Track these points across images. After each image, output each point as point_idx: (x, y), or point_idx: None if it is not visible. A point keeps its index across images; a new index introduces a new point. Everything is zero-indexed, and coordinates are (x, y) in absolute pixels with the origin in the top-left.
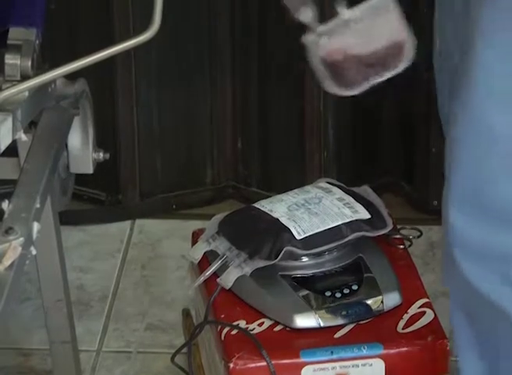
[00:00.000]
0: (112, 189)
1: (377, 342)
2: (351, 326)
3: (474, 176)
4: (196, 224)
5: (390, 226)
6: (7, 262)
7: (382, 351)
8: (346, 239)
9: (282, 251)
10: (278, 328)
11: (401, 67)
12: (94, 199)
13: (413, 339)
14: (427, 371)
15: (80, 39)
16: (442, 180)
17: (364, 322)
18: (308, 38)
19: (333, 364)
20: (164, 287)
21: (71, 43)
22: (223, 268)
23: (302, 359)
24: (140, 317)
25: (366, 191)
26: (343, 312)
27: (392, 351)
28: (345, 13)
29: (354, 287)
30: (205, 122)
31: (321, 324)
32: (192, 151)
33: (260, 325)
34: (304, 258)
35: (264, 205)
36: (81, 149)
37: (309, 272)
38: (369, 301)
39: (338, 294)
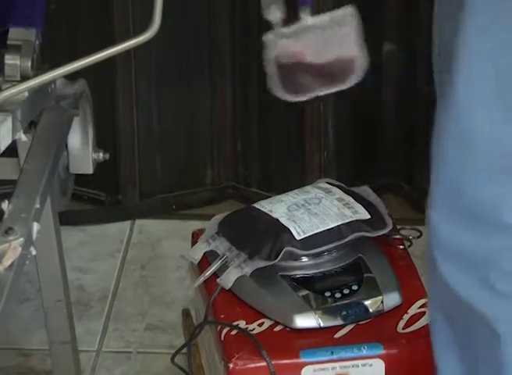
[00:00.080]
0: (112, 189)
1: (377, 342)
2: (351, 326)
3: (455, 179)
4: (196, 224)
5: (390, 227)
6: (7, 262)
7: (382, 352)
8: (346, 239)
9: (282, 252)
10: (278, 328)
11: (348, 84)
12: (94, 199)
13: (413, 339)
14: (427, 371)
15: (80, 39)
16: None
17: (364, 322)
18: (268, 37)
19: (333, 364)
20: (164, 287)
21: (71, 43)
22: (223, 268)
23: (302, 359)
24: (139, 317)
25: (366, 191)
26: (343, 313)
27: (392, 351)
28: (307, 20)
29: (354, 288)
30: (205, 122)
31: (321, 324)
32: (192, 151)
33: (260, 325)
34: (304, 259)
35: (264, 206)
36: (81, 149)
37: (309, 272)
38: (369, 302)
39: (338, 295)
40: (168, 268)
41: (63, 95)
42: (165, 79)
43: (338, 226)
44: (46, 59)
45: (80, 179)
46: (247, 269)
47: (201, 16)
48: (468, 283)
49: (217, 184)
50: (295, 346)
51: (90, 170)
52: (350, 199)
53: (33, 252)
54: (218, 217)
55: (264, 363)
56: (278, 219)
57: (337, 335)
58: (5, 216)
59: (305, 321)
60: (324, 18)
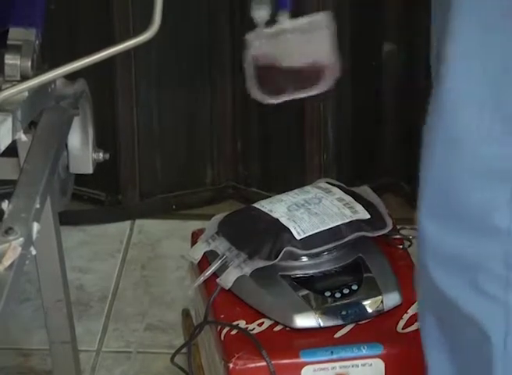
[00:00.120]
0: (112, 189)
1: (377, 342)
2: (351, 326)
3: (444, 182)
4: (196, 224)
5: (390, 227)
6: (7, 262)
7: (382, 351)
8: (346, 239)
9: (282, 252)
10: (278, 328)
11: (319, 90)
12: (94, 199)
13: (413, 339)
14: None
15: (80, 39)
16: None
17: (364, 322)
18: (250, 36)
19: (333, 364)
20: (163, 287)
21: (71, 43)
22: (223, 268)
23: (302, 359)
24: (139, 317)
25: (366, 191)
26: (343, 312)
27: (392, 351)
28: (284, 23)
29: (354, 287)
30: (205, 122)
31: (321, 324)
32: (192, 151)
33: (260, 325)
34: (304, 259)
35: (264, 206)
36: (81, 149)
37: (309, 272)
38: (369, 302)
39: (338, 294)
40: (168, 268)
41: (63, 95)
42: (165, 79)
43: (338, 226)
44: (46, 59)
45: (80, 179)
46: (247, 269)
47: (201, 16)
48: (458, 286)
49: (217, 184)
50: (295, 346)
51: (90, 170)
52: (350, 199)
53: (33, 252)
54: (218, 217)
55: (264, 363)
56: (278, 219)
57: (337, 335)
58: (5, 215)
59: (305, 321)
60: (301, 22)
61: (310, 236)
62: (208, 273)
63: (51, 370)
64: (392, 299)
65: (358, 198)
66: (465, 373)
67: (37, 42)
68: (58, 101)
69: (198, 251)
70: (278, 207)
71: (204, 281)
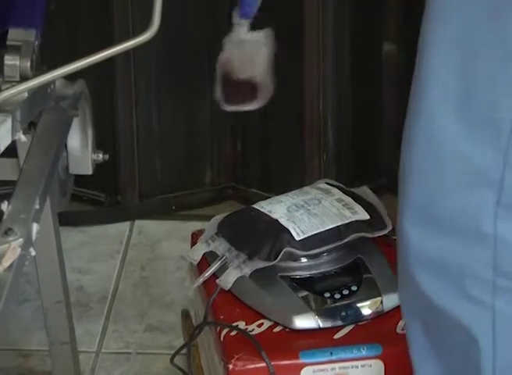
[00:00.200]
0: (112, 190)
1: (376, 343)
2: (350, 327)
3: (428, 188)
4: (195, 225)
5: (390, 227)
6: (6, 263)
7: (382, 352)
8: (346, 240)
9: (282, 252)
10: (277, 329)
11: (254, 106)
12: (94, 200)
13: None
14: None
15: (80, 40)
16: None
17: (364, 323)
18: (224, 40)
19: (333, 365)
20: (163, 288)
21: (70, 44)
22: (222, 269)
23: (301, 360)
24: (139, 318)
25: (365, 191)
26: (343, 313)
27: (391, 352)
28: (240, 33)
29: (354, 288)
30: (205, 123)
31: (321, 325)
32: (191, 152)
33: (259, 326)
34: (304, 259)
35: (263, 206)
36: (80, 150)
37: (308, 273)
38: (368, 302)
39: (337, 295)
40: (167, 269)
41: (63, 96)
42: (164, 80)
43: (337, 226)
44: (45, 60)
45: (80, 180)
46: (247, 270)
47: (201, 16)
48: (444, 291)
49: (216, 185)
50: (294, 347)
51: (89, 171)
52: (350, 200)
53: (33, 253)
54: (218, 218)
55: (263, 364)
56: (277, 220)
57: (336, 336)
58: (5, 216)
59: (304, 322)
60: (252, 35)
61: (309, 237)
62: (208, 273)
63: (50, 371)
64: (391, 300)
65: (358, 198)
66: None
67: (37, 43)
68: (58, 101)
69: (198, 252)
70: (277, 208)
71: (204, 282)
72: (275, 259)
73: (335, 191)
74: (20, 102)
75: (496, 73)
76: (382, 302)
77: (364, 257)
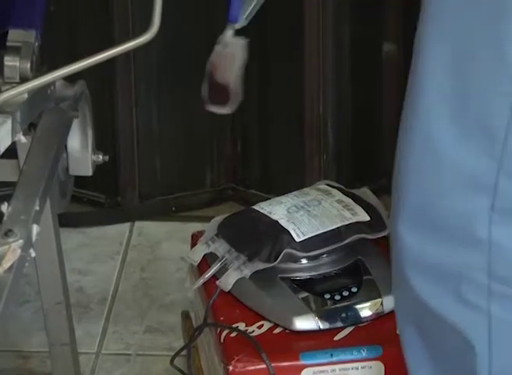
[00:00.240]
0: (112, 191)
1: (376, 345)
2: (351, 328)
3: (423, 191)
4: (195, 226)
5: (390, 229)
6: (6, 264)
7: (382, 354)
8: (346, 241)
9: (282, 254)
10: (277, 330)
11: (224, 111)
12: (94, 201)
13: None
14: None
15: (80, 41)
16: None
17: (364, 324)
18: (218, 39)
19: (333, 366)
20: (163, 289)
21: (70, 45)
22: (222, 270)
23: (302, 362)
24: (139, 319)
25: (365, 193)
26: (343, 315)
27: (391, 353)
28: (226, 35)
29: (354, 290)
30: (205, 124)
31: (321, 326)
32: (191, 153)
33: (259, 327)
34: (304, 261)
35: (263, 208)
36: (80, 151)
37: (308, 274)
38: (369, 304)
39: (337, 297)
40: (167, 270)
41: (63, 97)
42: (164, 81)
43: (337, 228)
44: (45, 61)
45: (80, 181)
46: (247, 271)
47: (200, 17)
48: (440, 295)
49: (216, 186)
50: (295, 348)
51: (89, 172)
52: (350, 201)
53: (33, 254)
54: (218, 219)
55: (263, 365)
56: (277, 221)
57: (337, 337)
58: (5, 217)
59: (305, 323)
60: (237, 41)
61: (309, 238)
62: (208, 275)
63: (50, 372)
64: (392, 301)
65: (358, 200)
66: None
67: (37, 44)
68: (58, 102)
69: (198, 254)
70: (277, 209)
71: (204, 283)
72: (275, 261)
73: (335, 192)
74: (20, 103)
75: (491, 78)
76: (382, 304)
77: (365, 258)
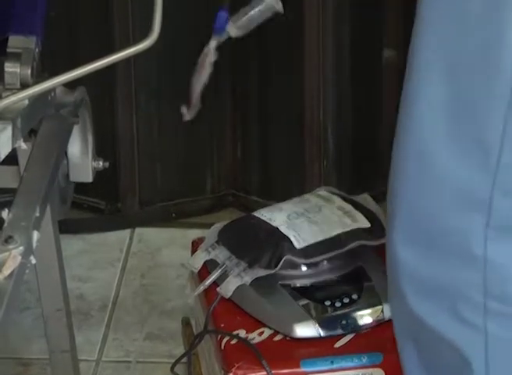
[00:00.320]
0: (112, 197)
1: (377, 352)
2: (351, 335)
3: (419, 207)
4: (195, 233)
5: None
6: (7, 271)
7: (382, 361)
8: (346, 248)
9: (282, 260)
10: (278, 337)
11: (186, 117)
12: (94, 208)
13: None
14: None
15: (80, 47)
16: None
17: (364, 331)
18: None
19: (333, 374)
20: (163, 296)
21: (71, 51)
22: (223, 277)
23: (302, 369)
24: (139, 326)
25: (366, 199)
26: (343, 322)
27: (392, 360)
28: (210, 45)
29: (354, 297)
30: (205, 130)
31: (321, 334)
32: (192, 159)
33: (260, 334)
34: (304, 268)
35: (263, 214)
36: (81, 158)
37: (309, 281)
38: (369, 311)
39: (338, 304)
40: (168, 276)
41: (63, 103)
42: (164, 87)
43: (338, 234)
44: (46, 67)
45: (80, 187)
46: (247, 278)
47: (200, 23)
48: (437, 313)
49: (217, 192)
50: (295, 355)
51: (89, 179)
52: (350, 208)
53: (33, 261)
54: (218, 226)
55: (264, 373)
56: (278, 228)
57: (337, 344)
58: (5, 224)
59: (305, 330)
60: (210, 52)
61: (310, 245)
62: (208, 282)
63: None
64: None
65: (358, 206)
66: None
67: (37, 50)
68: (58, 109)
69: (198, 260)
70: (278, 215)
71: (204, 290)
72: (276, 267)
73: (335, 198)
74: (21, 110)
75: (485, 93)
76: (382, 311)
77: (365, 265)
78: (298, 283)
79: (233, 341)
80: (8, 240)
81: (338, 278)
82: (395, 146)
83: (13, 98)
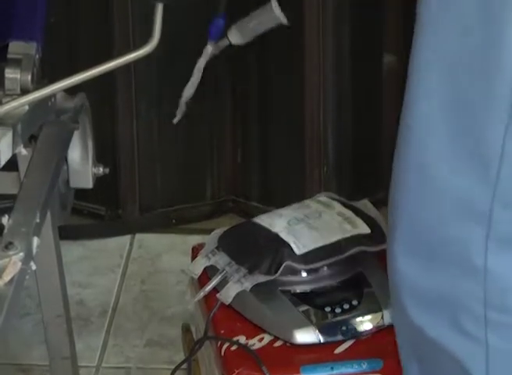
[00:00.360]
0: (112, 204)
1: (377, 358)
2: (351, 341)
3: (420, 219)
4: (196, 239)
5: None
6: (7, 277)
7: (383, 367)
8: (346, 254)
9: (282, 266)
10: (278, 344)
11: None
12: (94, 214)
13: None
14: None
15: (80, 53)
16: None
17: (365, 337)
18: None
19: None
20: (164, 302)
21: (71, 57)
22: (223, 283)
23: None
24: (139, 332)
25: (366, 205)
26: (343, 328)
27: (392, 366)
28: (205, 53)
29: (354, 303)
30: (205, 136)
31: (321, 340)
32: (192, 165)
33: (260, 340)
34: (304, 274)
35: (263, 220)
36: (81, 164)
37: (309, 287)
38: (369, 317)
39: (338, 310)
40: (168, 283)
41: (63, 109)
42: (164, 93)
43: (338, 240)
44: (46, 73)
45: (80, 193)
46: (247, 284)
47: (201, 29)
48: (438, 324)
49: (217, 198)
50: (295, 361)
51: (90, 185)
52: (351, 213)
53: (33, 267)
54: (218, 232)
55: None
56: (278, 234)
57: (337, 350)
58: (5, 230)
59: (305, 336)
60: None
61: (310, 251)
62: (208, 288)
63: None
64: None
65: (358, 212)
66: None
67: (38, 56)
68: (58, 115)
69: (198, 266)
70: (278, 221)
71: (204, 296)
72: (276, 273)
73: (335, 204)
74: (21, 116)
75: (485, 106)
76: (382, 317)
77: (365, 271)
78: (298, 289)
79: (233, 347)
80: (8, 246)
81: (338, 284)
82: (396, 158)
83: (13, 104)
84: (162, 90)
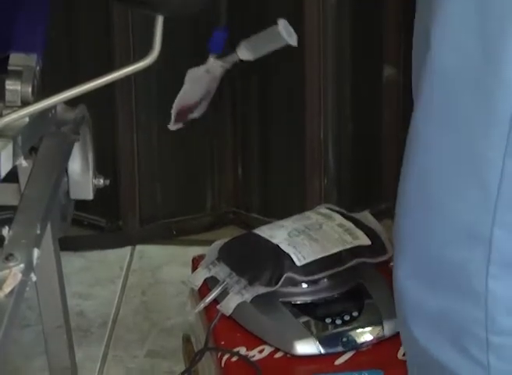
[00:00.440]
0: (112, 215)
1: (378, 369)
2: (352, 352)
3: (423, 242)
4: (196, 250)
5: (391, 253)
6: (7, 288)
7: None
8: (347, 265)
9: (283, 278)
10: (278, 355)
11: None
12: (94, 225)
13: None
14: None
15: (81, 65)
16: None
17: (365, 349)
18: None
19: None
20: (164, 313)
21: (71, 69)
22: (223, 294)
23: None
24: (140, 343)
25: (366, 217)
26: (344, 339)
27: None
28: (208, 64)
29: (355, 314)
30: (205, 147)
31: (322, 351)
32: (192, 176)
33: (260, 352)
34: (305, 285)
35: (264, 231)
36: (81, 175)
37: (309, 298)
38: (370, 328)
39: (338, 321)
40: (168, 294)
41: (64, 121)
42: (164, 104)
43: (338, 252)
44: (46, 85)
45: (80, 204)
46: (248, 296)
47: (202, 40)
48: (441, 345)
49: (217, 210)
50: (296, 373)
51: (90, 196)
52: (351, 225)
53: (34, 278)
54: (219, 243)
55: None
56: (278, 245)
57: (337, 362)
58: (6, 242)
59: (306, 347)
60: (217, 70)
61: (310, 262)
62: (209, 299)
63: None
64: (393, 326)
65: (359, 223)
66: None
67: (38, 68)
68: (59, 126)
69: (199, 278)
70: (278, 233)
71: (205, 307)
72: (276, 285)
73: (336, 216)
74: (21, 127)
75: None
76: (383, 328)
77: (366, 282)
78: (299, 300)
79: (234, 359)
80: (8, 257)
81: (338, 295)
82: (400, 183)
83: (14, 116)
84: (162, 101)
